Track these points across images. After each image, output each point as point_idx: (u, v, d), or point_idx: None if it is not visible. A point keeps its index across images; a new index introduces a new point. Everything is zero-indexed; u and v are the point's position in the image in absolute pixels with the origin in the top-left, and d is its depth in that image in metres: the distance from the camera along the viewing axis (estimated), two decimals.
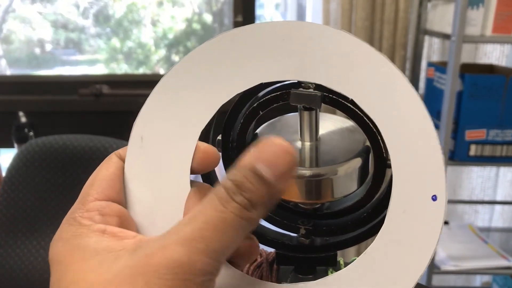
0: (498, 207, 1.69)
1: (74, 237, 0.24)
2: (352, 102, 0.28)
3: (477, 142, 1.23)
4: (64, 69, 2.22)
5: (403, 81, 0.26)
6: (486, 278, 1.65)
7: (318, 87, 0.30)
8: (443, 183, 0.26)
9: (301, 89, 0.29)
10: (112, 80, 1.53)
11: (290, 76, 0.27)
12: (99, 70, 2.51)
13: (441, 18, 1.37)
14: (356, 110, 0.29)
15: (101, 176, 0.27)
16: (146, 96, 0.29)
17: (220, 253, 0.22)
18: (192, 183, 0.29)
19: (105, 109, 1.50)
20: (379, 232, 0.27)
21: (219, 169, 0.33)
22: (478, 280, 1.72)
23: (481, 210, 1.71)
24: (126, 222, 0.27)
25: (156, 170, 0.28)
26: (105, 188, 0.27)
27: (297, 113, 0.33)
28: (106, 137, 1.00)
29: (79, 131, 1.01)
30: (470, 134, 1.23)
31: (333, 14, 1.43)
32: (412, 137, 0.26)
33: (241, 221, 0.22)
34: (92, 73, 2.09)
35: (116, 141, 0.98)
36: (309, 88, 0.29)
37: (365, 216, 0.33)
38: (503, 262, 1.32)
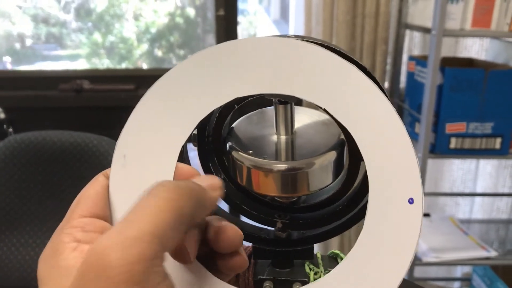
0: (478, 199, 1.72)
1: (52, 255, 0.25)
2: None
3: (457, 135, 1.24)
4: (45, 64, 2.19)
5: (372, 89, 0.26)
6: (467, 269, 1.68)
7: None
8: (419, 186, 0.26)
9: None
10: (93, 75, 1.52)
11: (264, 89, 0.28)
12: (81, 65, 2.48)
13: (422, 12, 1.38)
14: None
15: (87, 194, 0.28)
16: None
17: (154, 236, 0.21)
18: None
19: (86, 105, 1.49)
20: (359, 237, 0.28)
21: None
22: (459, 270, 1.75)
23: (461, 202, 1.73)
24: None
25: (139, 188, 0.29)
26: (90, 205, 0.27)
27: None
28: (87, 132, 0.99)
29: (59, 127, 0.99)
30: (451, 127, 1.24)
31: (315, 8, 1.43)
32: (386, 144, 0.27)
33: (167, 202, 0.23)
34: (73, 68, 2.07)
35: (96, 137, 0.97)
36: None
37: (340, 208, 0.34)
38: (482, 253, 1.34)
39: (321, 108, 0.28)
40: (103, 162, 0.96)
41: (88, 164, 0.96)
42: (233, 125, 0.35)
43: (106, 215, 0.28)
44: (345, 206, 0.33)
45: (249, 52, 0.27)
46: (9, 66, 1.83)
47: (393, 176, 0.26)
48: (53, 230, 0.27)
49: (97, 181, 0.29)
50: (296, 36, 0.30)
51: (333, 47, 0.29)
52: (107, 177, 0.29)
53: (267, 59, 0.27)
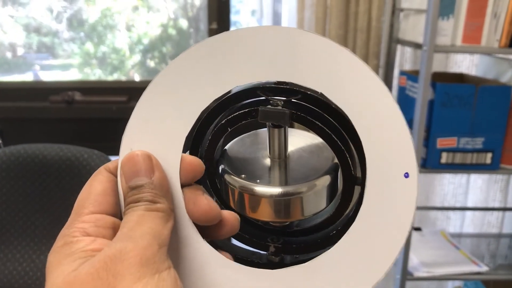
0: (469, 213, 1.73)
1: (64, 246, 0.26)
2: (320, 119, 0.28)
3: (448, 150, 1.25)
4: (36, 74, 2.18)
5: (364, 69, 0.27)
6: (458, 283, 1.68)
7: (287, 104, 0.30)
8: (413, 161, 0.27)
9: (269, 106, 0.29)
10: (85, 87, 1.51)
11: (262, 77, 0.28)
12: (73, 75, 2.47)
13: (413, 27, 1.39)
14: (324, 127, 0.29)
15: (95, 190, 0.28)
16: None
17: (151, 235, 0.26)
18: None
19: (77, 117, 1.48)
20: (359, 213, 0.29)
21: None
22: (450, 285, 1.75)
23: (452, 216, 1.73)
24: None
25: None
26: (100, 202, 0.28)
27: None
28: (77, 146, 0.98)
29: (50, 139, 0.98)
30: (442, 142, 1.25)
31: (307, 22, 1.44)
32: (380, 123, 0.27)
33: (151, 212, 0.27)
34: (64, 79, 2.06)
35: (87, 151, 0.96)
36: (277, 105, 0.29)
37: (334, 233, 0.33)
38: (474, 268, 1.34)
39: (316, 116, 0.28)
40: None
41: (78, 178, 0.96)
42: (226, 147, 0.35)
43: (115, 211, 0.29)
44: (339, 230, 0.33)
45: (246, 42, 0.28)
46: None
47: (388, 152, 0.27)
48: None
49: (102, 176, 0.29)
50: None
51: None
52: (110, 172, 0.30)
53: (264, 48, 0.28)
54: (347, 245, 0.29)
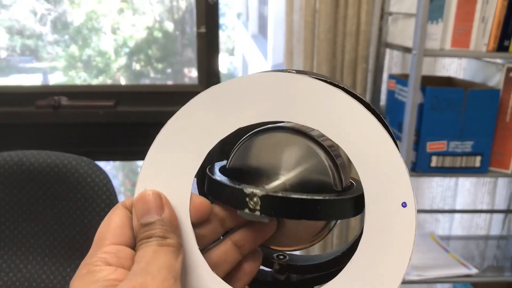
0: (457, 216, 1.74)
1: (87, 274, 0.28)
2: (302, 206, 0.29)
3: (438, 154, 1.25)
4: (20, 77, 2.15)
5: (356, 107, 0.29)
6: (447, 286, 1.69)
7: (264, 202, 0.29)
8: (410, 190, 0.28)
9: (247, 211, 0.29)
10: (71, 91, 1.48)
11: (264, 118, 0.30)
12: (57, 78, 2.44)
13: (402, 31, 1.39)
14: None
15: (114, 223, 0.31)
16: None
17: (165, 269, 0.28)
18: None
19: (64, 121, 1.45)
20: (359, 244, 0.29)
21: None
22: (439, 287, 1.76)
23: (441, 218, 1.74)
24: None
25: None
26: (119, 234, 0.30)
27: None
28: (65, 152, 0.96)
29: (36, 144, 0.96)
30: (431, 146, 1.25)
31: (296, 26, 1.43)
32: (376, 155, 0.29)
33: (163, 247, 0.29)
34: (50, 83, 2.03)
35: (75, 157, 0.94)
36: (254, 209, 0.29)
37: (339, 256, 0.33)
38: (463, 270, 1.35)
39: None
40: (82, 183, 0.93)
41: (66, 186, 0.94)
42: (231, 164, 0.34)
43: (133, 244, 0.30)
44: (347, 250, 0.33)
45: (249, 87, 0.30)
46: None
47: (385, 184, 0.29)
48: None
49: (120, 211, 0.31)
50: (297, 71, 0.30)
51: (332, 81, 0.30)
52: (126, 207, 0.31)
53: (266, 92, 0.30)
54: (350, 274, 0.30)
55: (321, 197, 0.29)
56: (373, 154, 0.29)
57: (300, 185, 0.32)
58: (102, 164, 1.00)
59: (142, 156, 0.32)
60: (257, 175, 0.32)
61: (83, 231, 0.94)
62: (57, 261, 0.95)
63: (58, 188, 0.94)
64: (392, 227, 0.29)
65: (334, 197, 0.30)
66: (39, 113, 1.44)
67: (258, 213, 0.29)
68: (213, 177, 0.31)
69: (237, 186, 0.30)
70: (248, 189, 0.29)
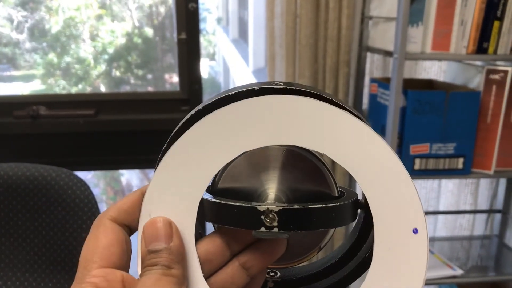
0: (441, 217, 1.75)
1: None
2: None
3: (421, 156, 1.26)
4: None
5: (365, 129, 0.28)
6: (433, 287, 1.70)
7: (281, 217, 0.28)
8: (421, 216, 0.28)
9: (263, 229, 0.28)
10: (50, 101, 1.45)
11: (268, 142, 0.29)
12: (36, 86, 2.40)
13: (382, 35, 1.40)
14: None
15: (101, 243, 0.29)
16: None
17: None
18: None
19: (43, 132, 1.42)
20: (368, 271, 0.28)
21: None
22: None
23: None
24: (130, 286, 0.30)
25: None
26: (107, 255, 0.29)
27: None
28: (44, 164, 0.94)
29: (15, 155, 0.94)
30: (415, 149, 1.26)
31: (278, 31, 1.43)
32: (385, 180, 0.28)
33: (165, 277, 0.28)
34: (28, 92, 1.99)
35: (55, 169, 0.92)
36: (271, 227, 0.28)
37: (336, 261, 0.32)
38: (449, 272, 1.36)
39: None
40: (62, 196, 0.91)
41: (47, 198, 0.91)
42: (219, 186, 0.33)
43: (122, 263, 0.30)
44: (340, 258, 0.32)
45: (251, 112, 0.29)
46: None
47: (395, 209, 0.28)
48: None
49: (107, 227, 0.30)
50: (284, 83, 0.29)
51: (324, 95, 0.29)
52: (115, 221, 0.31)
53: (268, 116, 0.29)
54: None
55: (335, 204, 0.28)
56: (381, 176, 0.28)
57: (297, 195, 0.31)
58: (83, 173, 0.98)
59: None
60: (247, 193, 0.31)
61: (64, 245, 0.92)
62: (39, 276, 0.93)
63: (38, 201, 0.91)
64: (402, 254, 0.28)
65: (345, 202, 0.29)
66: (17, 124, 1.41)
67: (276, 229, 0.28)
68: (219, 200, 0.30)
69: (249, 205, 0.28)
70: (262, 206, 0.28)
